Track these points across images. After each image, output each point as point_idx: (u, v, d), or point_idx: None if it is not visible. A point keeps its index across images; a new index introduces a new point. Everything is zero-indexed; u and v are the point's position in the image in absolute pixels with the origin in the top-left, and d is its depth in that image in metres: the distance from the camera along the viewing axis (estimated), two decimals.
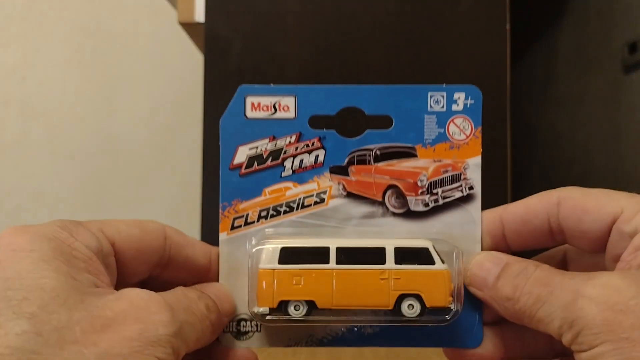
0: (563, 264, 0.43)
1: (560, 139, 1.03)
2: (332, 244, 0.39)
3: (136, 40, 1.46)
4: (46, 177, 1.45)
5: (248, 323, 0.42)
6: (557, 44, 1.03)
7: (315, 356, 0.69)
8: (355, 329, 0.42)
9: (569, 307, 0.34)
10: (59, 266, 0.32)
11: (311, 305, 0.39)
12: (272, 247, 0.39)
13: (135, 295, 0.33)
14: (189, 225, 0.43)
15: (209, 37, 0.75)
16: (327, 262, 0.39)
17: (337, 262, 0.39)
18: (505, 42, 0.74)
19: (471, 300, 0.42)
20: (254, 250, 0.40)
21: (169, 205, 1.41)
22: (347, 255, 0.39)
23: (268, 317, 0.39)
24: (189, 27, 0.83)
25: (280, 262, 0.39)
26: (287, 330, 0.42)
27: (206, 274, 0.42)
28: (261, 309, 0.39)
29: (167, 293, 0.36)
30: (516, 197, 0.45)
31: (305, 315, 0.39)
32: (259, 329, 0.42)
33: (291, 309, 0.39)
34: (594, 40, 0.92)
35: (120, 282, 0.38)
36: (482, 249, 0.42)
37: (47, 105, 1.46)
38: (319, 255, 0.39)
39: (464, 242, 0.42)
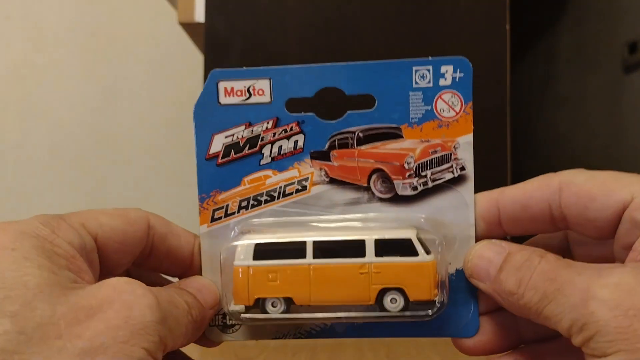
0: (564, 247, 0.39)
1: (560, 139, 1.04)
2: (309, 238, 0.37)
3: (136, 40, 1.46)
4: (46, 177, 1.47)
5: None
6: (557, 44, 1.04)
7: (315, 357, 0.68)
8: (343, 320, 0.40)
9: (578, 308, 0.31)
10: (42, 263, 0.32)
11: (289, 302, 0.37)
12: (246, 243, 0.38)
13: (118, 281, 0.32)
14: (189, 225, 0.42)
15: (209, 37, 0.75)
16: (304, 257, 0.37)
17: (314, 257, 0.37)
18: (505, 42, 0.74)
19: (465, 286, 0.39)
20: (225, 247, 0.38)
21: (169, 205, 1.39)
22: (325, 249, 0.37)
23: (244, 315, 0.38)
24: (189, 27, 0.83)
25: (255, 259, 0.37)
26: (274, 324, 0.41)
27: (189, 265, 0.41)
28: (237, 307, 0.38)
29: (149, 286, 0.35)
30: None
31: (283, 312, 0.37)
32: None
33: (268, 306, 0.37)
34: (594, 40, 0.94)
35: (103, 276, 0.37)
36: (476, 235, 0.39)
37: (47, 105, 1.47)
38: (295, 250, 0.37)
39: (457, 227, 0.39)
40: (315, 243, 0.37)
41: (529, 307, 0.34)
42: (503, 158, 0.68)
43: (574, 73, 1.00)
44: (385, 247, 0.37)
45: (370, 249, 0.37)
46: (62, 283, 0.31)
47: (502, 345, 0.39)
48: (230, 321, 0.41)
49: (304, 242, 0.37)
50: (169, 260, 0.40)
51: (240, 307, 0.38)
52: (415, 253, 0.37)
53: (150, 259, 0.39)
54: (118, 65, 1.47)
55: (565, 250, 0.39)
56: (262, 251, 0.37)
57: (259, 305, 0.38)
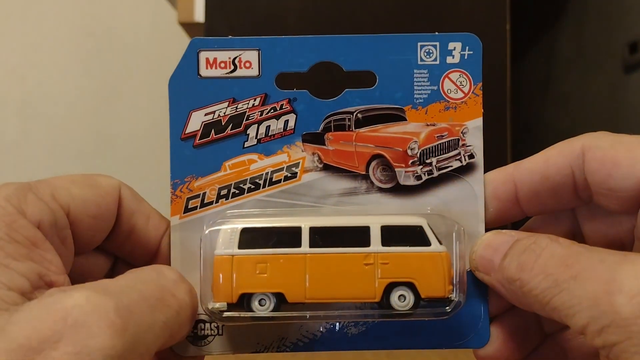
0: (576, 231, 0.35)
1: (561, 139, 1.03)
2: (305, 223, 0.32)
3: (136, 40, 1.45)
4: (46, 177, 1.41)
5: (207, 325, 0.35)
6: (557, 44, 1.08)
7: (315, 357, 0.64)
8: (336, 329, 0.35)
9: (600, 303, 0.27)
10: None
11: (280, 298, 0.32)
12: (230, 228, 0.32)
13: (74, 305, 0.25)
14: None
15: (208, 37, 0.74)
16: (299, 245, 0.32)
17: (311, 246, 0.32)
18: (505, 42, 0.75)
19: (475, 291, 0.35)
20: (207, 232, 0.33)
21: (168, 205, 1.36)
22: (323, 236, 0.32)
23: (226, 314, 0.32)
24: (189, 27, 0.83)
25: (240, 247, 0.32)
26: (254, 333, 0.35)
27: (154, 255, 0.35)
28: (217, 305, 0.32)
29: (130, 284, 0.28)
30: None
31: (272, 311, 0.32)
32: (220, 331, 0.35)
33: (255, 304, 0.32)
34: (594, 40, 0.97)
35: (75, 253, 0.32)
36: (486, 219, 0.35)
37: (47, 105, 1.47)
38: (288, 237, 0.32)
39: (465, 221, 0.35)
40: (312, 229, 0.32)
41: (533, 294, 0.29)
42: (503, 158, 0.68)
43: (574, 73, 1.01)
44: (393, 235, 0.32)
45: (376, 236, 0.32)
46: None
47: (514, 355, 0.35)
48: (202, 331, 0.35)
49: (299, 228, 0.32)
50: (131, 244, 0.34)
51: (221, 305, 0.32)
52: (427, 242, 0.32)
53: (111, 238, 0.33)
54: (118, 65, 1.48)
55: (576, 235, 0.35)
56: (249, 238, 0.32)
57: (243, 302, 0.32)
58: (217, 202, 0.35)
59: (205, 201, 0.35)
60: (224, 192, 0.35)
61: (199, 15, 0.77)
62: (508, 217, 0.35)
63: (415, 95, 0.36)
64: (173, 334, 0.28)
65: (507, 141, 0.70)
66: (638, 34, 0.80)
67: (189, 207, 0.35)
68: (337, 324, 0.35)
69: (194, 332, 0.35)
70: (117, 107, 1.45)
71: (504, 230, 0.34)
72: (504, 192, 0.35)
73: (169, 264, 0.35)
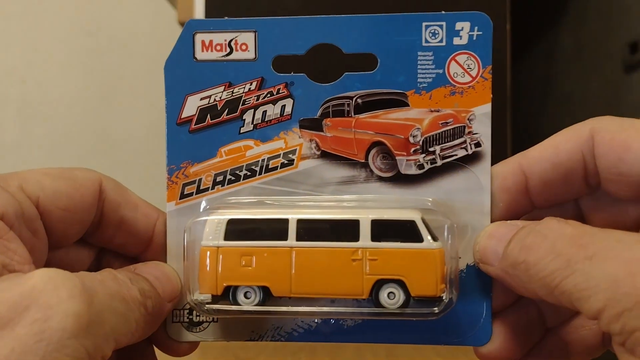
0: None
1: None
2: (292, 215, 0.31)
3: (136, 40, 1.44)
4: None
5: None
6: (557, 44, 1.05)
7: (315, 357, 0.64)
8: (332, 320, 0.34)
9: (621, 283, 0.24)
10: None
11: (266, 292, 0.31)
12: (216, 219, 0.32)
13: (41, 277, 0.26)
14: None
15: None
16: (285, 238, 0.31)
17: (298, 239, 0.31)
18: (505, 42, 0.72)
19: (478, 287, 0.33)
20: (191, 222, 0.33)
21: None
22: (311, 229, 0.31)
23: (208, 306, 0.32)
24: None
25: (226, 238, 0.32)
26: (249, 322, 0.35)
27: (147, 245, 0.35)
28: (202, 297, 0.32)
29: (91, 274, 0.29)
30: None
31: (258, 304, 0.31)
32: (215, 318, 0.35)
33: (240, 297, 0.31)
34: (594, 40, 0.96)
35: (51, 247, 0.32)
36: (495, 214, 0.33)
37: (47, 106, 1.49)
38: (275, 229, 0.31)
39: (469, 214, 0.33)
40: (299, 222, 0.31)
41: (540, 277, 0.27)
42: (503, 158, 0.64)
43: (574, 73, 1.00)
44: (383, 230, 0.31)
45: (365, 231, 0.31)
46: None
47: (517, 352, 0.33)
48: (198, 317, 0.35)
49: (286, 221, 0.31)
50: (122, 235, 0.34)
51: (206, 297, 0.32)
52: (419, 238, 0.31)
53: (99, 231, 0.34)
54: (118, 66, 1.50)
55: None
56: (236, 229, 0.31)
57: (228, 295, 0.31)
58: (212, 188, 0.35)
59: (201, 187, 0.35)
60: (219, 178, 0.35)
61: (199, 15, 0.76)
62: (518, 211, 0.33)
63: (418, 79, 0.34)
64: (132, 329, 0.29)
65: (507, 141, 0.67)
66: (638, 34, 0.78)
67: (185, 193, 0.35)
68: None
69: (189, 318, 0.35)
70: (117, 107, 1.45)
71: (508, 221, 0.32)
72: (514, 184, 0.33)
73: (165, 252, 0.35)
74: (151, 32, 1.43)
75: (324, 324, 0.34)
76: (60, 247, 0.33)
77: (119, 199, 0.34)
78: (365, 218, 0.31)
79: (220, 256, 0.31)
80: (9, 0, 1.46)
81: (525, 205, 0.33)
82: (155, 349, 0.36)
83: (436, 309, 0.31)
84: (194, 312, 0.35)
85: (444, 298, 0.31)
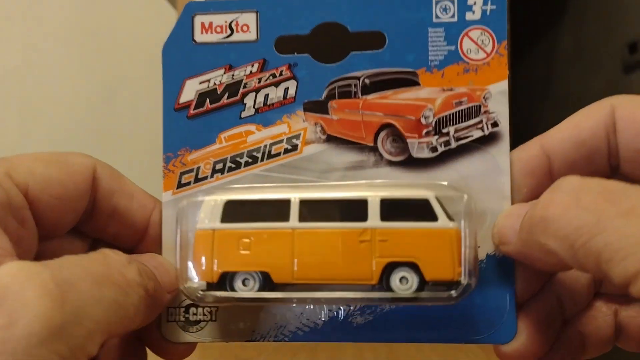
0: None
1: None
2: (294, 194, 0.29)
3: (136, 40, 1.44)
4: None
5: (200, 310, 0.32)
6: (557, 44, 1.06)
7: (315, 357, 0.62)
8: (340, 317, 0.31)
9: None
10: None
11: (266, 278, 0.29)
12: (213, 200, 0.29)
13: (6, 274, 0.23)
14: None
15: None
16: (287, 219, 0.29)
17: (301, 220, 0.29)
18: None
19: (499, 276, 0.30)
20: (184, 204, 0.30)
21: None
22: (315, 210, 0.29)
23: (203, 293, 0.29)
24: None
25: (223, 221, 0.29)
26: (250, 320, 0.32)
27: (142, 236, 0.32)
28: (196, 284, 0.29)
29: (72, 260, 0.26)
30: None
31: (258, 291, 0.28)
32: (213, 317, 0.32)
33: (238, 284, 0.29)
34: (594, 40, 0.96)
35: (42, 237, 0.30)
36: (514, 199, 0.31)
37: (47, 105, 1.49)
38: (276, 210, 0.29)
39: (487, 199, 0.31)
40: (302, 202, 0.29)
41: (562, 235, 0.24)
42: None
43: (574, 73, 0.99)
44: (394, 209, 0.28)
45: (374, 210, 0.28)
46: None
47: (543, 347, 0.30)
48: (195, 316, 0.32)
49: (288, 201, 0.29)
50: (115, 225, 0.32)
51: (201, 284, 0.29)
52: (433, 217, 0.28)
53: (91, 221, 0.31)
54: (118, 66, 1.50)
55: None
56: (234, 211, 0.29)
57: (225, 282, 0.29)
58: (212, 176, 0.33)
59: (200, 176, 0.33)
60: (219, 166, 0.33)
61: None
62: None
63: (430, 57, 0.32)
64: (129, 315, 0.26)
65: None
66: (638, 34, 0.78)
67: (182, 182, 0.33)
68: (341, 311, 0.31)
69: (186, 317, 0.32)
70: (117, 107, 1.44)
71: (528, 202, 0.29)
72: (539, 167, 0.30)
73: (160, 244, 0.32)
74: (151, 32, 1.43)
75: (331, 322, 0.31)
76: (52, 237, 0.31)
77: (113, 187, 0.32)
78: (374, 196, 0.28)
79: (217, 240, 0.29)
80: (9, 0, 1.50)
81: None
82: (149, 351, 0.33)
83: (454, 293, 0.28)
84: (191, 311, 0.32)
85: (461, 281, 0.28)
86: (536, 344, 0.30)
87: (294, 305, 0.31)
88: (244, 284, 0.29)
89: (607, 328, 0.31)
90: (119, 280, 0.26)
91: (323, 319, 0.31)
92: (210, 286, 0.29)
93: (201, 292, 0.29)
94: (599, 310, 0.31)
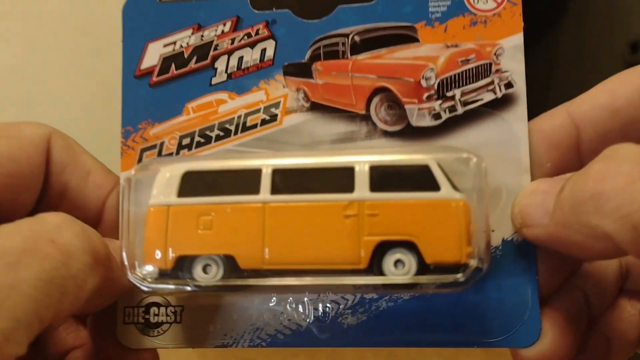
0: None
1: None
2: (267, 162, 0.24)
3: None
4: None
5: (162, 310, 0.27)
6: (557, 44, 1.02)
7: (315, 358, 0.56)
8: (328, 318, 0.26)
9: None
10: None
11: (230, 263, 0.23)
12: (168, 172, 0.24)
13: None
14: None
15: None
16: (257, 192, 0.24)
17: (273, 192, 0.24)
18: None
19: (519, 268, 0.25)
20: (133, 178, 0.25)
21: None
22: (290, 180, 0.24)
23: (151, 284, 0.24)
24: None
25: (180, 195, 0.24)
26: (220, 322, 0.27)
27: (96, 220, 0.28)
28: (147, 270, 0.24)
29: None
30: None
31: (221, 280, 0.23)
32: (177, 318, 0.27)
33: (197, 271, 0.24)
34: (594, 40, 0.92)
35: None
36: (535, 175, 0.26)
37: (47, 105, 1.48)
38: (244, 181, 0.24)
39: (502, 172, 0.26)
40: (275, 172, 0.24)
41: (625, 212, 0.19)
42: None
43: (574, 73, 0.96)
44: (386, 178, 0.23)
45: (362, 179, 0.23)
46: None
47: (571, 351, 0.25)
48: (156, 317, 0.27)
49: (258, 170, 0.24)
50: (66, 205, 0.27)
51: (153, 270, 0.24)
52: (434, 186, 0.23)
53: (44, 200, 0.27)
54: (118, 66, 1.49)
55: None
56: (193, 183, 0.24)
57: (182, 268, 0.24)
58: (177, 153, 0.28)
59: (164, 153, 0.28)
60: (186, 141, 0.28)
61: None
62: (570, 170, 0.26)
63: (430, 9, 0.27)
64: (72, 291, 0.20)
65: None
66: (639, 34, 0.74)
67: (144, 159, 0.28)
68: (329, 310, 0.26)
69: (146, 319, 0.27)
70: (117, 107, 1.48)
71: (552, 177, 0.24)
72: (567, 138, 0.26)
73: (116, 229, 0.27)
74: None
75: (316, 322, 0.26)
76: (9, 221, 0.26)
77: (66, 160, 0.27)
78: (361, 162, 0.23)
79: (172, 218, 0.24)
80: (9, 0, 1.52)
81: (575, 167, 0.25)
82: None
83: (461, 276, 0.22)
84: (152, 311, 0.27)
85: (470, 264, 0.22)
86: (564, 347, 0.24)
87: (272, 304, 0.26)
88: (204, 271, 0.23)
89: (632, 330, 0.27)
90: (48, 252, 0.21)
91: (307, 320, 0.26)
92: (164, 274, 0.24)
93: (150, 281, 0.24)
94: (624, 309, 0.27)
